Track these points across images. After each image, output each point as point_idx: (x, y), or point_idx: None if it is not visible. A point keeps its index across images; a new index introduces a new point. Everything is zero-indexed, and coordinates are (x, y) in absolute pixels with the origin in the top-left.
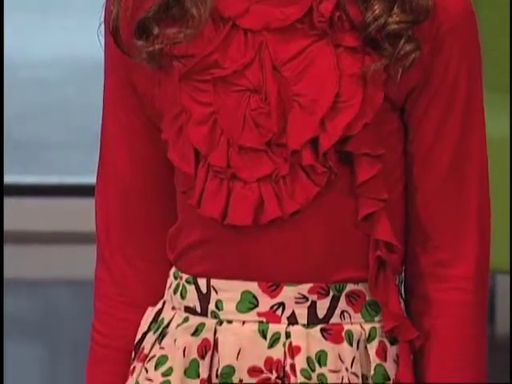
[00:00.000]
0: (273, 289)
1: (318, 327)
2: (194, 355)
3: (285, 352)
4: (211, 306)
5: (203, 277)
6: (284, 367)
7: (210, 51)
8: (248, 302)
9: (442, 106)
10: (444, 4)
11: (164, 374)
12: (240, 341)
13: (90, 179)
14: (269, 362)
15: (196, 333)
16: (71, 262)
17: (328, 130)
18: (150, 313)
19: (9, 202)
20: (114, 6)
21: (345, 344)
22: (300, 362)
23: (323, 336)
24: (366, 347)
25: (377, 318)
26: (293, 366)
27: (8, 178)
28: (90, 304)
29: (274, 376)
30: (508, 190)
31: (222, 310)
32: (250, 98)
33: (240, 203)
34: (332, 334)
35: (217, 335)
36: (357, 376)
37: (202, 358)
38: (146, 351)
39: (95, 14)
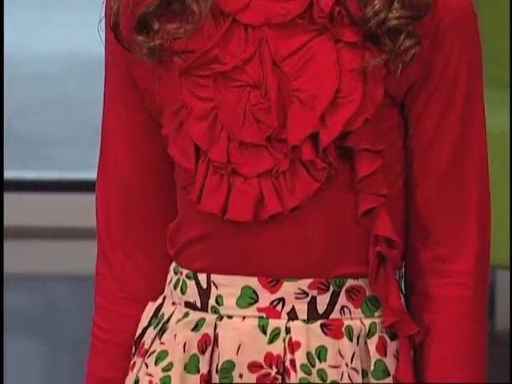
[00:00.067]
0: (273, 284)
1: (318, 322)
2: (194, 350)
3: (285, 347)
4: (211, 302)
5: (203, 272)
6: (284, 363)
7: (211, 46)
8: (248, 298)
9: (442, 101)
10: None
11: (164, 369)
12: (240, 336)
13: (90, 175)
14: (269, 357)
15: (196, 328)
16: (71, 257)
17: (328, 126)
18: (151, 308)
19: (9, 197)
20: (115, 2)
21: (345, 339)
22: (300, 357)
23: (323, 331)
24: (366, 342)
25: (377, 314)
26: (293, 362)
27: (8, 174)
28: (90, 299)
29: (273, 371)
30: (508, 186)
31: (223, 305)
32: (250, 94)
33: (240, 199)
34: (332, 329)
35: (217, 330)
36: (357, 371)
37: (202, 353)
38: (146, 346)
39: (96, 9)
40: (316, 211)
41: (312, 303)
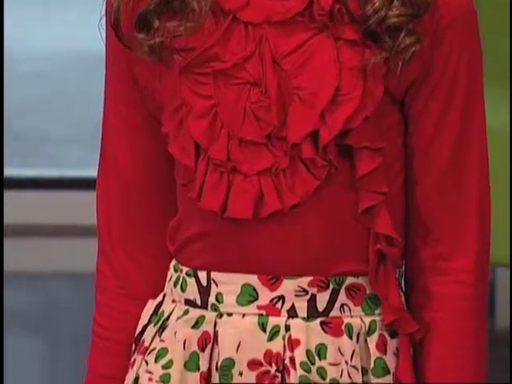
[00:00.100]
0: (273, 282)
1: (318, 320)
2: (194, 348)
3: (284, 345)
4: (211, 299)
5: (203, 269)
6: (283, 360)
7: (211, 44)
8: (248, 295)
9: (441, 99)
10: None
11: (164, 367)
12: (240, 334)
13: (90, 172)
14: (268, 354)
15: (196, 325)
16: (71, 255)
17: (328, 123)
18: (151, 305)
19: (9, 195)
20: None
21: (344, 337)
22: (299, 355)
23: (323, 329)
24: (365, 340)
25: (377, 311)
26: (292, 359)
27: (9, 171)
28: (90, 297)
29: (273, 369)
30: (508, 183)
31: (222, 302)
32: (250, 91)
33: (240, 196)
34: (332, 327)
35: (217, 328)
36: (356, 369)
37: (202, 350)
38: (146, 344)
39: (96, 7)
40: (316, 209)
41: (312, 301)
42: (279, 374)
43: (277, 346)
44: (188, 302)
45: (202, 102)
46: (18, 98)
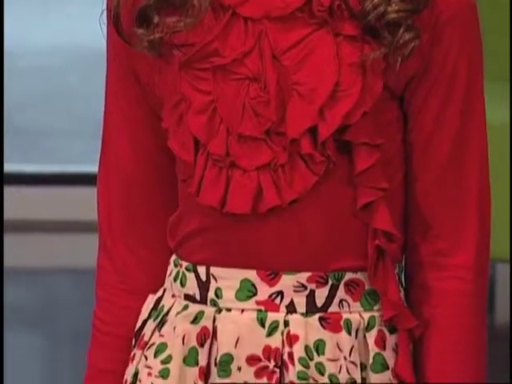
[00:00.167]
0: (271, 277)
1: (317, 316)
2: (193, 343)
3: (283, 340)
4: (210, 294)
5: (203, 265)
6: (282, 356)
7: (210, 40)
8: (247, 291)
9: (441, 94)
10: None
11: (163, 362)
12: (239, 329)
13: (91, 168)
14: (267, 350)
15: (195, 321)
16: (71, 250)
17: (327, 119)
18: (151, 300)
19: (9, 190)
20: None
21: (343, 333)
22: (298, 350)
23: (321, 325)
24: (364, 336)
25: (376, 307)
26: (291, 355)
27: (8, 167)
28: (90, 293)
29: (272, 364)
30: (508, 179)
31: (221, 298)
32: (250, 87)
33: (239, 191)
34: (330, 322)
35: (216, 323)
36: (355, 365)
37: (201, 345)
38: (146, 338)
39: (97, 1)
40: (314, 204)
41: (310, 296)
42: (278, 370)
43: (275, 341)
44: (187, 297)
45: (202, 98)
46: (18, 93)
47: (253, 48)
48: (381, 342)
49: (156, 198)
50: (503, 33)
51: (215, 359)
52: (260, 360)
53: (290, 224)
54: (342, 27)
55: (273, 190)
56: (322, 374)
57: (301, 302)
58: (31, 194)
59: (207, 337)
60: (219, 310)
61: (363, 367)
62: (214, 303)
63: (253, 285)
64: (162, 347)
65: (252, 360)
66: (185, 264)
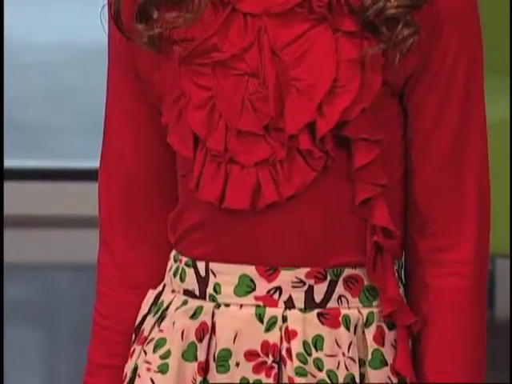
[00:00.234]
0: (270, 273)
1: (315, 311)
2: (192, 338)
3: (281, 336)
4: (209, 290)
5: (202, 260)
6: (280, 351)
7: (210, 35)
8: (245, 286)
9: (440, 91)
10: None
11: (162, 357)
12: (237, 324)
13: (92, 164)
14: (265, 345)
15: (194, 316)
16: (71, 246)
17: (325, 115)
18: (151, 295)
19: (9, 185)
20: None
21: (342, 329)
22: (296, 346)
23: (320, 320)
24: (363, 332)
25: (375, 303)
26: (289, 350)
27: (9, 162)
28: (90, 288)
29: (270, 360)
30: (508, 174)
31: (220, 293)
32: (248, 82)
33: (237, 187)
34: (329, 318)
35: (214, 318)
36: (353, 360)
37: (200, 341)
38: (145, 333)
39: None
40: (313, 200)
41: (309, 292)
42: (276, 365)
43: (274, 336)
44: (187, 293)
45: (201, 93)
46: (19, 89)
47: (252, 44)
48: (379, 337)
49: (157, 193)
50: (503, 19)
51: (214, 354)
52: (258, 355)
53: (288, 220)
54: (341, 23)
55: (271, 186)
56: (320, 370)
57: (299, 298)
58: (31, 190)
59: (206, 332)
60: (218, 306)
61: (362, 363)
62: (212, 298)
63: (251, 280)
64: (161, 342)
65: (250, 355)
66: (184, 259)
